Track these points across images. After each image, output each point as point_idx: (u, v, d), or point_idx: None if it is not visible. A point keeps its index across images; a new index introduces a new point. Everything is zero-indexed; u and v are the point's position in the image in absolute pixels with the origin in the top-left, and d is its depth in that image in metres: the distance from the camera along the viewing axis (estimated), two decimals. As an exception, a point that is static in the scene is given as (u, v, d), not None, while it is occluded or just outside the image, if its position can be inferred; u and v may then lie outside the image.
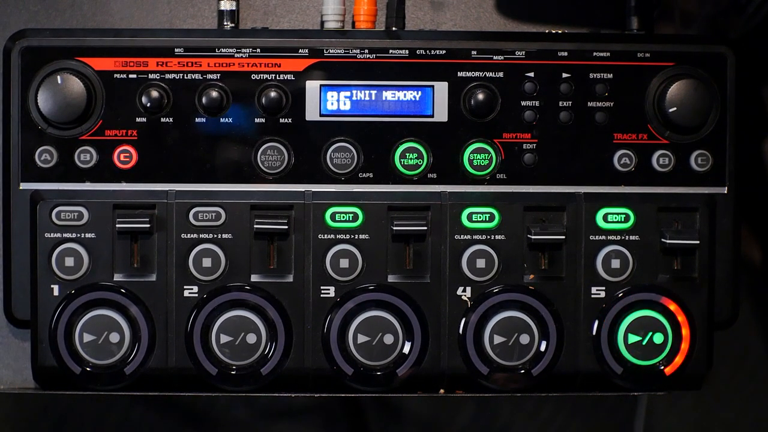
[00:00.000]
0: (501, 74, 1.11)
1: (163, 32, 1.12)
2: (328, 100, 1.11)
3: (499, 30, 1.18)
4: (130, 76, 1.10)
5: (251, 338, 1.10)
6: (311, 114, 1.11)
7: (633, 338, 1.11)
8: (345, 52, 1.11)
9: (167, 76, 1.10)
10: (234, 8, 1.14)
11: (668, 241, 1.11)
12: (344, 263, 1.10)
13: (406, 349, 1.11)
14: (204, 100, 1.10)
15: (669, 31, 1.20)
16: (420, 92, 1.11)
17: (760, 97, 1.22)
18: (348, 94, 1.11)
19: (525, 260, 1.11)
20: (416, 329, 1.10)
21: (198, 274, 1.10)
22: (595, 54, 1.12)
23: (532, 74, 1.11)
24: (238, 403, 1.24)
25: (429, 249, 1.11)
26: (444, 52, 1.11)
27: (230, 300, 1.10)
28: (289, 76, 1.11)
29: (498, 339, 1.11)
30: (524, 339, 1.11)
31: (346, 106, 1.11)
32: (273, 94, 1.10)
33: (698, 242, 1.11)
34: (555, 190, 1.12)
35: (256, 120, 1.11)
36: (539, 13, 1.18)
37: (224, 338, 1.10)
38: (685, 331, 1.12)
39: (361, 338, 1.10)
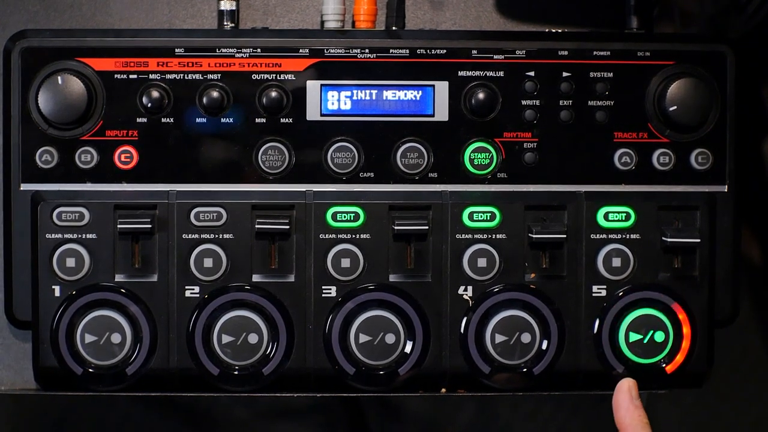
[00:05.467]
0: (501, 73, 1.11)
1: (164, 32, 1.12)
2: (329, 100, 1.11)
3: (499, 29, 1.18)
4: (131, 76, 1.10)
5: (253, 338, 1.10)
6: (312, 114, 1.11)
7: (634, 336, 1.11)
8: (345, 52, 1.11)
9: (168, 76, 1.10)
10: (234, 8, 1.14)
11: (669, 240, 1.11)
12: (345, 263, 1.10)
13: (408, 348, 1.11)
14: (205, 100, 1.10)
15: (669, 30, 1.20)
16: (420, 92, 1.11)
17: (760, 96, 1.22)
18: (348, 93, 1.11)
19: (526, 259, 1.11)
20: (418, 329, 1.11)
21: (199, 275, 1.10)
22: (595, 53, 1.12)
23: (532, 73, 1.12)
24: (239, 403, 1.24)
25: (430, 248, 1.11)
26: (444, 51, 1.11)
27: (232, 300, 1.10)
28: (290, 76, 1.11)
29: (499, 338, 1.11)
30: (525, 338, 1.11)
31: (346, 106, 1.11)
32: (273, 93, 1.10)
33: (699, 241, 1.11)
34: (556, 189, 1.12)
35: (257, 120, 1.11)
36: (539, 13, 1.18)
37: (226, 338, 1.10)
38: (686, 330, 1.12)
39: (363, 338, 1.10)
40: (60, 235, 1.09)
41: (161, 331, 1.10)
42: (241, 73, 1.11)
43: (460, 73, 1.11)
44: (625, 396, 1.06)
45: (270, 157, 1.11)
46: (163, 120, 1.10)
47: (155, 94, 1.10)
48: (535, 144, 1.12)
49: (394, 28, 1.14)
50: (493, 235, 1.11)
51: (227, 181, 1.11)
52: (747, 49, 1.12)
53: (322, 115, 1.11)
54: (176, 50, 1.10)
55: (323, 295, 1.10)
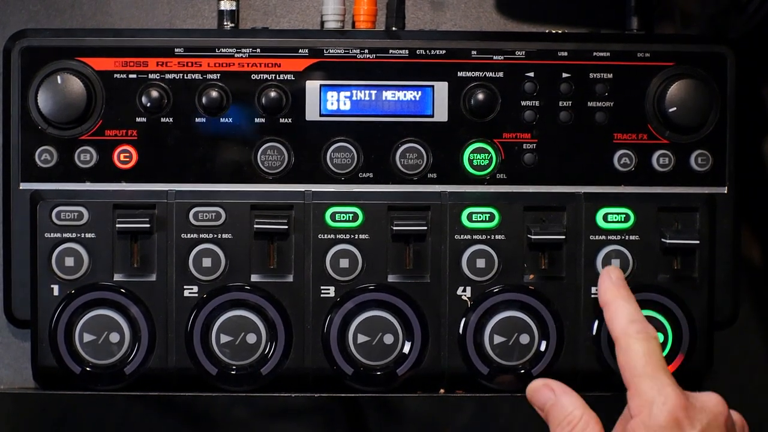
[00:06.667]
0: (501, 74, 1.11)
1: (163, 32, 1.12)
2: (328, 100, 1.11)
3: (499, 30, 1.18)
4: (130, 76, 1.10)
5: (251, 338, 1.10)
6: (311, 114, 1.11)
7: (633, 338, 1.11)
8: (345, 52, 1.11)
9: (167, 76, 1.10)
10: (234, 8, 1.14)
11: (668, 241, 1.11)
12: (344, 263, 1.10)
13: (406, 349, 1.11)
14: (204, 100, 1.10)
15: (669, 31, 1.20)
16: (420, 92, 1.11)
17: (760, 97, 1.22)
18: (348, 94, 1.11)
19: (525, 260, 1.11)
20: (416, 329, 1.11)
21: (198, 274, 1.10)
22: (595, 54, 1.12)
23: (532, 74, 1.11)
24: (237, 403, 1.24)
25: (429, 249, 1.11)
26: (444, 52, 1.11)
27: (230, 300, 1.10)
28: (289, 76, 1.11)
29: (498, 339, 1.11)
30: (524, 339, 1.11)
31: (346, 106, 1.11)
32: (273, 94, 1.10)
33: (698, 242, 1.11)
34: (555, 190, 1.12)
35: (256, 120, 1.11)
36: (539, 13, 1.18)
37: (224, 338, 1.10)
38: (686, 331, 1.12)
39: (361, 338, 1.10)
40: (59, 235, 1.10)
41: (160, 330, 1.10)
42: (241, 73, 1.11)
43: (460, 74, 1.11)
44: (604, 277, 1.05)
45: (269, 157, 1.11)
46: (163, 120, 1.10)
47: (155, 93, 1.10)
48: (535, 145, 1.12)
49: (393, 28, 1.14)
50: (492, 236, 1.11)
51: (226, 180, 1.11)
52: (747, 49, 1.12)
53: (321, 115, 1.11)
54: (176, 50, 1.10)
55: (322, 295, 1.10)
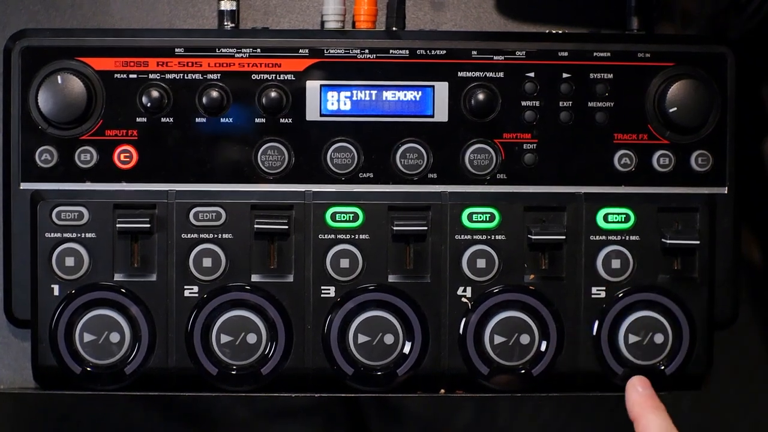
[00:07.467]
0: (501, 74, 1.11)
1: (164, 32, 1.12)
2: (329, 100, 1.11)
3: (500, 30, 1.18)
4: (131, 76, 1.10)
5: (251, 338, 1.10)
6: (311, 114, 1.11)
7: (633, 338, 1.11)
8: (345, 52, 1.11)
9: (167, 76, 1.10)
10: (234, 8, 1.14)
11: (668, 242, 1.11)
12: (344, 263, 1.10)
13: (407, 349, 1.11)
14: (204, 100, 1.10)
15: (669, 32, 1.20)
16: (420, 92, 1.11)
17: (760, 97, 1.22)
18: (348, 94, 1.11)
19: (525, 260, 1.11)
20: (416, 329, 1.11)
21: (198, 274, 1.10)
22: (595, 54, 1.12)
23: (532, 74, 1.12)
24: (237, 403, 1.24)
25: (429, 249, 1.11)
26: (444, 52, 1.11)
27: (230, 300, 1.10)
28: (290, 76, 1.11)
29: (498, 339, 1.11)
30: (524, 339, 1.11)
31: (346, 106, 1.11)
32: (273, 94, 1.10)
33: (698, 242, 1.11)
34: (555, 190, 1.12)
35: (257, 120, 1.11)
36: (539, 13, 1.18)
37: (224, 338, 1.10)
38: (686, 331, 1.12)
39: (362, 338, 1.10)
40: (59, 234, 1.10)
41: (160, 330, 1.10)
42: (241, 73, 1.11)
43: (460, 74, 1.11)
44: (630, 390, 1.05)
45: (269, 157, 1.11)
46: (163, 120, 1.10)
47: (155, 93, 1.10)
48: (535, 145, 1.12)
49: (394, 28, 1.14)
50: (493, 236, 1.11)
51: (227, 180, 1.11)
52: (747, 49, 1.12)
53: (321, 115, 1.11)
54: (176, 50, 1.10)
55: (322, 296, 1.10)
